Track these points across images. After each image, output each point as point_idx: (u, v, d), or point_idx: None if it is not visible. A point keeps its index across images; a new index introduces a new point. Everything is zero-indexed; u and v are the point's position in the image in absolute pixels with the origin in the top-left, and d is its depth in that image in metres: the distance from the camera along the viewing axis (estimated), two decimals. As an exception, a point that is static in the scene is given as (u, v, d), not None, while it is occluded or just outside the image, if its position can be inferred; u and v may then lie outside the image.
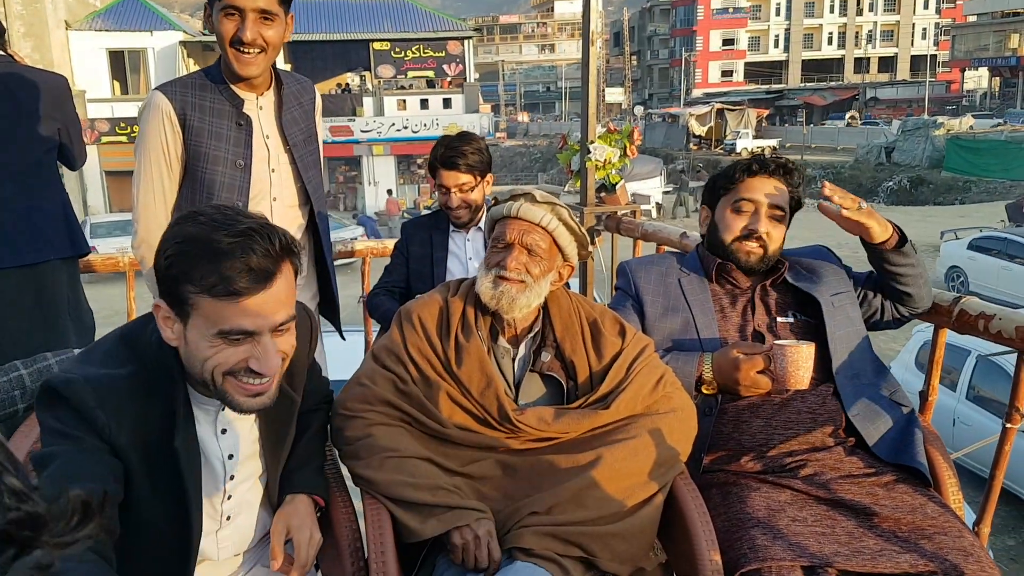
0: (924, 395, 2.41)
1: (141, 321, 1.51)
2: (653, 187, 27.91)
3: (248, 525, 1.65)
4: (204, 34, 25.94)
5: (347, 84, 31.59)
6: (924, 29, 65.52)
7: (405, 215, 24.44)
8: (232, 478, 1.58)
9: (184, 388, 1.45)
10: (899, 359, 9.37)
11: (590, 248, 1.94)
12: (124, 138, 26.39)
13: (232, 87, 2.26)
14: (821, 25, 66.00)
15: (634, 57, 74.99)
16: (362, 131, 29.45)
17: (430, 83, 30.75)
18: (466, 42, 31.43)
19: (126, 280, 3.31)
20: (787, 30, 65.78)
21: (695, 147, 43.91)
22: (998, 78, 52.32)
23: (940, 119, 37.35)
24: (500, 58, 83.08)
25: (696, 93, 62.76)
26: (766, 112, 51.52)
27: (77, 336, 2.91)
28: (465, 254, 2.86)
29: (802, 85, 64.06)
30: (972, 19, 52.57)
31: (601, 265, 4.11)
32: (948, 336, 2.34)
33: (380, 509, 1.68)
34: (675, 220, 25.95)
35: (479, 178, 2.81)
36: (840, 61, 66.25)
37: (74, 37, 26.36)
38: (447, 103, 30.23)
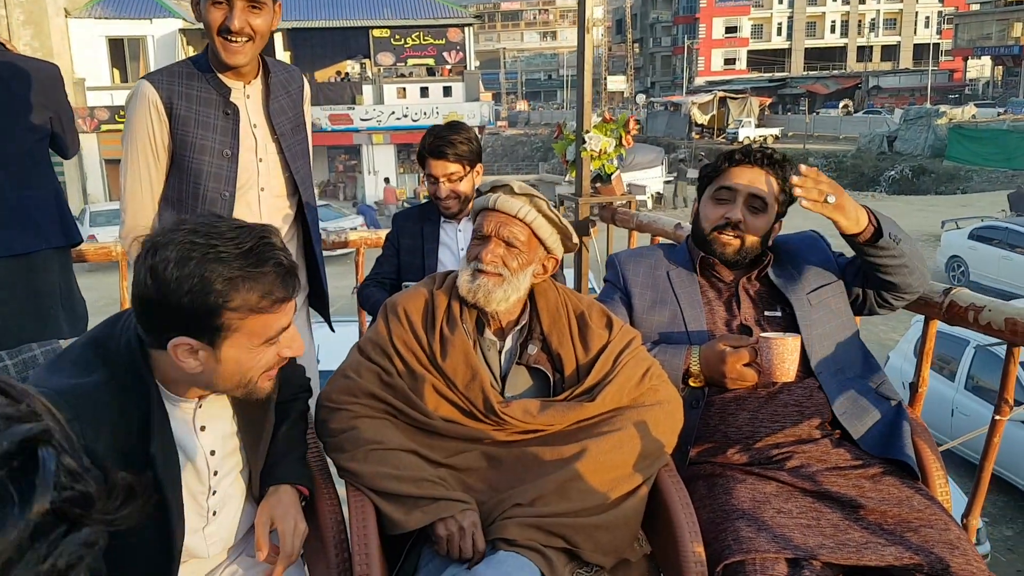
0: (914, 387, 2.41)
1: (107, 324, 1.49)
2: (654, 176, 27.83)
3: (233, 520, 1.66)
4: (203, 22, 25.79)
5: (346, 72, 31.49)
6: (927, 17, 65.20)
7: (404, 204, 24.41)
8: (215, 474, 1.58)
9: (157, 390, 1.44)
10: (898, 349, 9.37)
11: (575, 240, 1.92)
12: (124, 126, 26.34)
13: (219, 76, 2.24)
14: (824, 13, 65.70)
15: (636, 45, 74.73)
16: (362, 119, 29.36)
17: (430, 71, 30.63)
18: (467, 29, 31.28)
19: (119, 269, 3.31)
20: (790, 18, 65.47)
21: (697, 136, 43.79)
22: (1001, 67, 52.08)
23: (942, 108, 37.20)
24: (501, 45, 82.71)
25: (699, 81, 62.53)
26: (769, 100, 51.37)
27: (69, 326, 2.91)
28: (457, 245, 2.85)
29: (805, 73, 63.82)
30: (975, 7, 52.31)
31: (596, 255, 4.11)
32: (948, 326, 2.32)
33: (364, 501, 1.68)
34: (676, 210, 25.91)
35: (468, 168, 2.79)
36: (843, 49, 65.95)
37: (73, 25, 26.27)
38: (447, 91, 30.12)
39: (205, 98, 2.23)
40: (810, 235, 2.29)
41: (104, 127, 26.49)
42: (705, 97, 46.65)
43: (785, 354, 1.91)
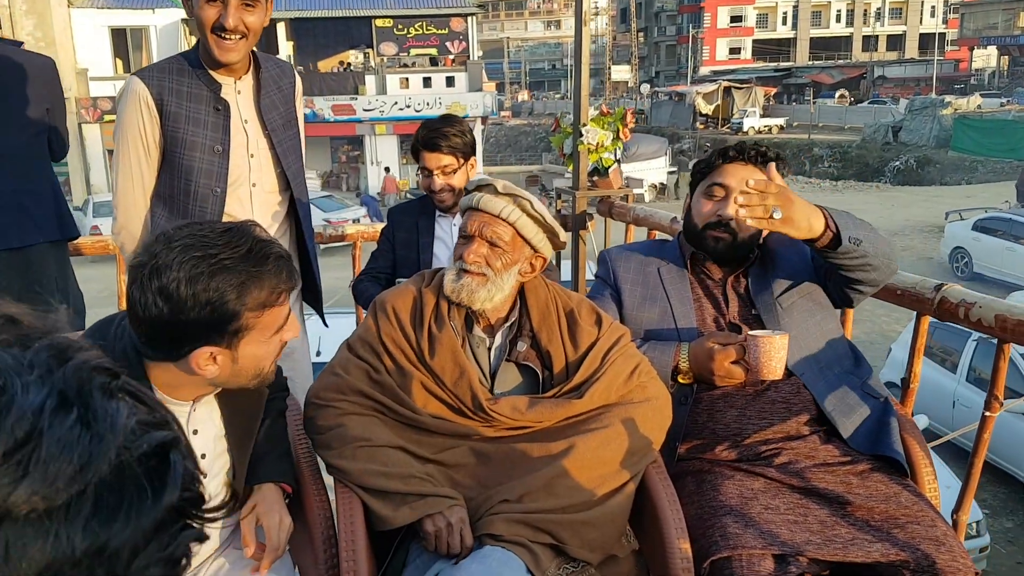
0: (906, 383, 2.42)
1: (98, 332, 1.51)
2: (658, 167, 27.76)
3: (220, 521, 1.67)
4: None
5: (349, 62, 31.42)
6: (933, 7, 64.73)
7: (408, 195, 24.39)
8: (204, 476, 1.59)
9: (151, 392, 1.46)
10: (900, 340, 9.36)
11: (563, 239, 1.92)
12: (114, 123, 26.33)
13: (210, 72, 2.24)
14: (829, 2, 65.32)
15: (641, 34, 74.35)
16: (364, 110, 29.28)
17: (433, 61, 30.54)
18: (470, 19, 31.16)
19: (116, 263, 3.32)
20: (795, 7, 65.09)
21: (702, 126, 43.65)
22: (1007, 57, 51.82)
23: (948, 98, 37.05)
24: (505, 35, 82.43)
25: (703, 71, 62.27)
26: (774, 90, 51.18)
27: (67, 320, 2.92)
28: (452, 239, 2.85)
29: (810, 63, 63.51)
30: (982, -4, 52.01)
31: (593, 249, 4.10)
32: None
33: (352, 498, 1.69)
34: (679, 202, 25.86)
35: (462, 161, 2.79)
36: (848, 39, 65.62)
37: (76, 15, 26.24)
38: (450, 81, 30.02)
39: (196, 94, 2.23)
40: None
41: (107, 117, 26.45)
42: (710, 87, 46.49)
43: (772, 352, 1.91)
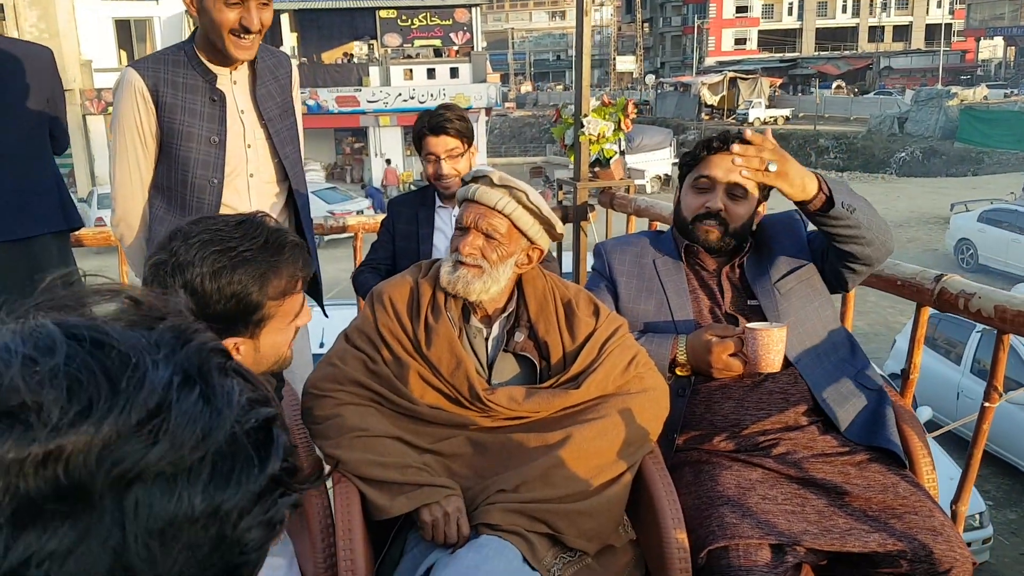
0: (906, 373, 2.41)
1: None
2: (662, 158, 27.67)
3: None
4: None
5: (352, 53, 31.36)
6: (940, -3, 64.46)
7: (411, 187, 24.37)
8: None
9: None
10: (904, 331, 9.35)
11: (560, 230, 1.92)
12: (111, 114, 26.33)
13: (205, 62, 2.24)
14: (836, -8, 65.05)
15: (646, 24, 74.01)
16: (368, 101, 29.25)
17: (437, 52, 30.48)
18: (474, 9, 31.07)
19: (117, 254, 3.32)
20: (801, -3, 64.85)
21: (707, 117, 43.48)
22: (1013, 48, 51.53)
23: (954, 89, 36.85)
24: (509, 26, 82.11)
25: (709, 61, 61.99)
26: (779, 81, 50.91)
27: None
28: (451, 230, 2.85)
29: (816, 54, 63.20)
30: (989, -13, 51.69)
31: (595, 240, 4.09)
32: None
33: (349, 488, 1.70)
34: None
35: (466, 145, 2.81)
36: (854, 30, 65.27)
37: (80, 6, 26.20)
38: (454, 72, 29.97)
39: (191, 85, 2.23)
40: (788, 216, 2.25)
41: (112, 109, 26.49)
42: (715, 77, 46.29)
43: (771, 345, 1.91)
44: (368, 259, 2.94)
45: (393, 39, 30.53)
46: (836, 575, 1.84)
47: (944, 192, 23.02)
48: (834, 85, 50.60)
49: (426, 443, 1.78)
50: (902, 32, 65.45)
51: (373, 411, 1.78)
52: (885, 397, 2.06)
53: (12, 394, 0.49)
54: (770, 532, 1.74)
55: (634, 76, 65.09)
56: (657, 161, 26.84)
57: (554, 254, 3.51)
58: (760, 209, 2.19)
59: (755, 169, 1.82)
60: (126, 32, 27.22)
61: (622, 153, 4.06)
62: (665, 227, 3.33)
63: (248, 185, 2.32)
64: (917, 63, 58.00)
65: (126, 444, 0.50)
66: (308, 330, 2.64)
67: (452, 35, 30.60)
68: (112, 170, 2.27)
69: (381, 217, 3.17)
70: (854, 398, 2.02)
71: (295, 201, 2.47)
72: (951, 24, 59.56)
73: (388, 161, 28.87)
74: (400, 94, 29.25)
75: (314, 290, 2.63)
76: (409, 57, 30.33)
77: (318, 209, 17.91)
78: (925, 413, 7.51)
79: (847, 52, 62.41)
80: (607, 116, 3.93)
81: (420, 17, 30.54)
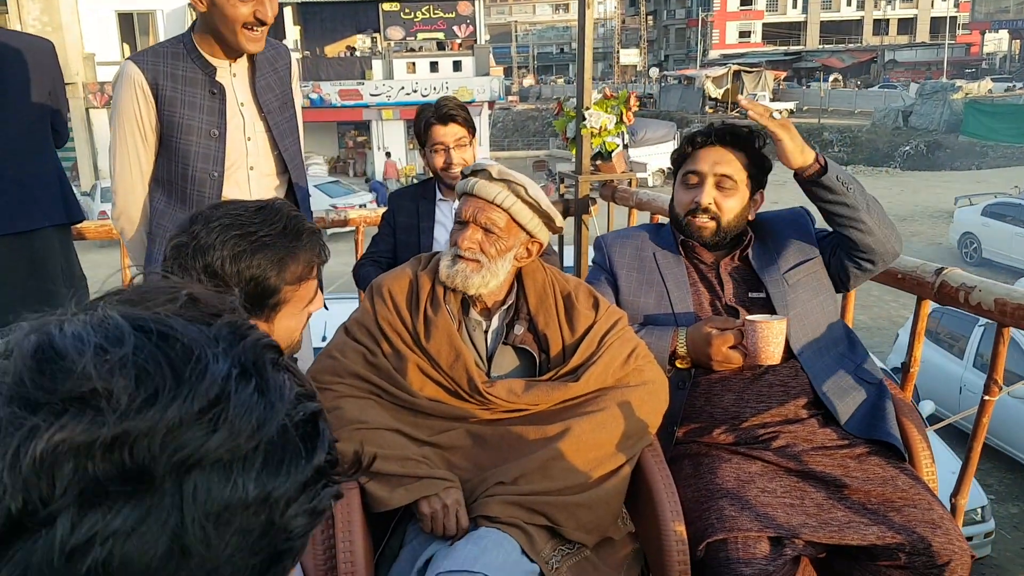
0: (906, 367, 2.41)
1: None
2: (666, 152, 27.56)
3: None
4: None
5: (356, 47, 31.29)
6: (945, -10, 64.18)
7: (414, 180, 24.33)
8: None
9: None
10: (907, 325, 9.33)
11: (560, 224, 1.92)
12: (110, 108, 26.27)
13: (204, 55, 2.24)
14: (840, -15, 64.78)
15: (650, 17, 73.76)
16: (371, 95, 29.17)
17: (440, 45, 30.38)
18: (477, 2, 30.92)
19: (120, 248, 3.33)
20: (806, -10, 64.59)
21: (711, 110, 43.33)
22: (1018, 41, 51.32)
23: (959, 82, 36.71)
24: (513, 18, 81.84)
25: (713, 55, 61.81)
26: (784, 74, 50.76)
27: (71, 303, 2.93)
28: (452, 223, 2.86)
29: (820, 47, 63.00)
30: (994, -21, 51.45)
31: (596, 233, 4.09)
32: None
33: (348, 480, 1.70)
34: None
35: (472, 135, 2.82)
36: (859, 23, 65.02)
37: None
38: (457, 66, 29.86)
39: (191, 78, 2.23)
40: (796, 211, 2.27)
41: (114, 102, 26.46)
42: (719, 71, 46.13)
43: (771, 337, 1.91)
44: (369, 252, 2.95)
45: (396, 32, 30.44)
46: (835, 568, 1.84)
47: (948, 186, 22.96)
48: (831, 78, 50.40)
49: (425, 435, 1.78)
50: (907, 25, 65.17)
51: (373, 404, 1.79)
52: (885, 390, 2.06)
53: (85, 381, 0.51)
54: (769, 525, 1.74)
55: (638, 69, 64.87)
56: (661, 154, 26.72)
57: (555, 247, 3.51)
58: (756, 197, 2.19)
59: (760, 113, 1.92)
60: (129, 25, 27.16)
61: (626, 146, 4.06)
62: (667, 220, 3.33)
63: (248, 178, 2.32)
64: (922, 56, 57.81)
65: (188, 431, 0.52)
66: (309, 323, 2.65)
67: (455, 28, 30.51)
68: (112, 164, 2.27)
69: (383, 211, 3.17)
70: (854, 391, 2.02)
71: (295, 194, 2.47)
72: (956, 17, 59.27)
73: (388, 154, 28.80)
74: (403, 87, 29.16)
75: (316, 283, 2.63)
76: (412, 50, 30.23)
77: (321, 203, 17.92)
78: (928, 407, 7.50)
79: (852, 45, 62.21)
80: (609, 109, 3.92)
81: (423, 10, 30.43)
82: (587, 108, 3.88)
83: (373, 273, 2.79)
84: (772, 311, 2.06)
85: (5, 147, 2.82)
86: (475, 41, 30.47)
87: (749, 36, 65.40)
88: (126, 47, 27.30)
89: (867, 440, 1.96)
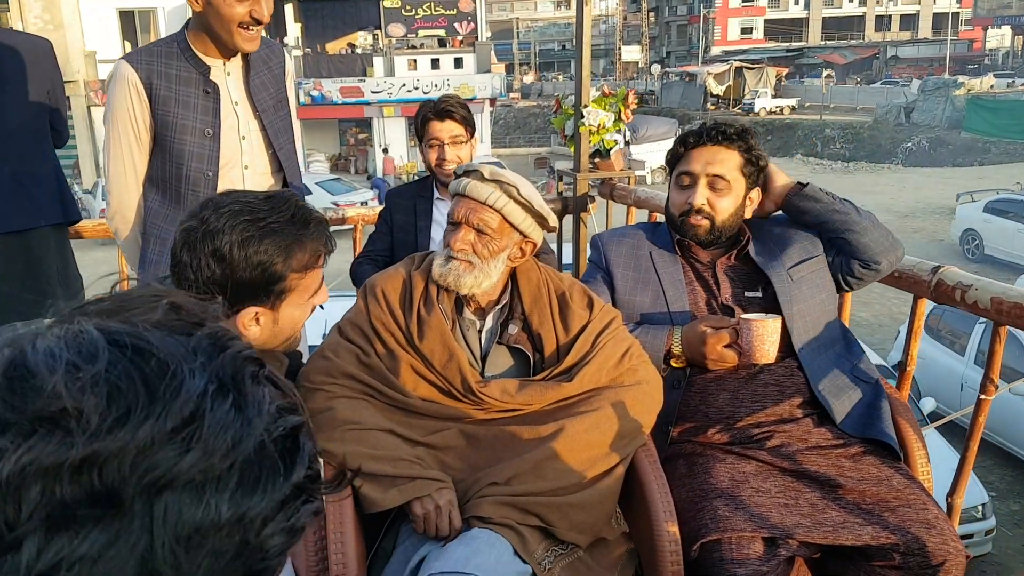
0: (902, 365, 2.40)
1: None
2: (667, 149, 27.54)
3: None
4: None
5: (357, 44, 31.25)
6: (948, -15, 64.02)
7: (414, 177, 24.30)
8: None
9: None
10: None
11: (553, 223, 1.91)
12: (104, 107, 26.24)
13: (198, 54, 2.24)
14: (842, -19, 64.64)
15: (652, 13, 73.59)
16: (372, 92, 29.15)
17: (441, 42, 30.34)
18: (478, -1, 30.94)
19: (116, 247, 3.32)
20: (808, -14, 64.45)
21: (713, 107, 43.27)
22: (1021, 37, 51.21)
23: (961, 79, 36.65)
24: (514, 15, 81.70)
25: (715, 51, 61.72)
26: (786, 70, 50.65)
27: (66, 304, 2.94)
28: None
29: (822, 43, 62.89)
30: (997, -25, 51.32)
31: (594, 231, 4.09)
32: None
33: (341, 480, 1.69)
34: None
35: (470, 133, 2.82)
36: (861, 19, 64.90)
37: (84, -4, 26.15)
38: (458, 63, 29.84)
39: (184, 77, 2.22)
40: None
41: (112, 101, 26.41)
42: (721, 67, 46.05)
43: (765, 336, 1.90)
44: (366, 250, 2.94)
45: (397, 29, 30.40)
46: (829, 568, 1.84)
47: (950, 182, 22.92)
48: (824, 74, 50.26)
49: (418, 436, 1.77)
50: (909, 21, 65.04)
51: (366, 404, 1.78)
52: (881, 390, 2.05)
53: (55, 400, 0.50)
54: (763, 525, 1.74)
55: (639, 66, 64.78)
56: (662, 151, 26.64)
57: (552, 246, 3.50)
58: (753, 195, 2.18)
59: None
60: (130, 23, 27.15)
61: (627, 144, 4.05)
62: (662, 219, 3.33)
63: (243, 177, 2.32)
64: (924, 52, 57.71)
65: (160, 451, 0.51)
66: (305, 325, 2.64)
67: (456, 25, 30.45)
68: (106, 164, 2.27)
69: (380, 209, 3.17)
70: (850, 390, 2.02)
71: None
72: (958, 13, 59.15)
73: (386, 150, 28.78)
74: (404, 84, 29.14)
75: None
76: (413, 47, 30.21)
77: (323, 200, 17.89)
78: (929, 404, 7.49)
79: (854, 41, 62.10)
80: (607, 107, 3.91)
81: (424, 7, 30.37)
82: (585, 106, 3.88)
83: (370, 272, 2.78)
84: (768, 310, 2.06)
85: (2, 146, 2.82)
86: (476, 38, 30.43)
87: (751, 32, 65.30)
88: (127, 45, 27.29)
89: (862, 440, 1.95)
